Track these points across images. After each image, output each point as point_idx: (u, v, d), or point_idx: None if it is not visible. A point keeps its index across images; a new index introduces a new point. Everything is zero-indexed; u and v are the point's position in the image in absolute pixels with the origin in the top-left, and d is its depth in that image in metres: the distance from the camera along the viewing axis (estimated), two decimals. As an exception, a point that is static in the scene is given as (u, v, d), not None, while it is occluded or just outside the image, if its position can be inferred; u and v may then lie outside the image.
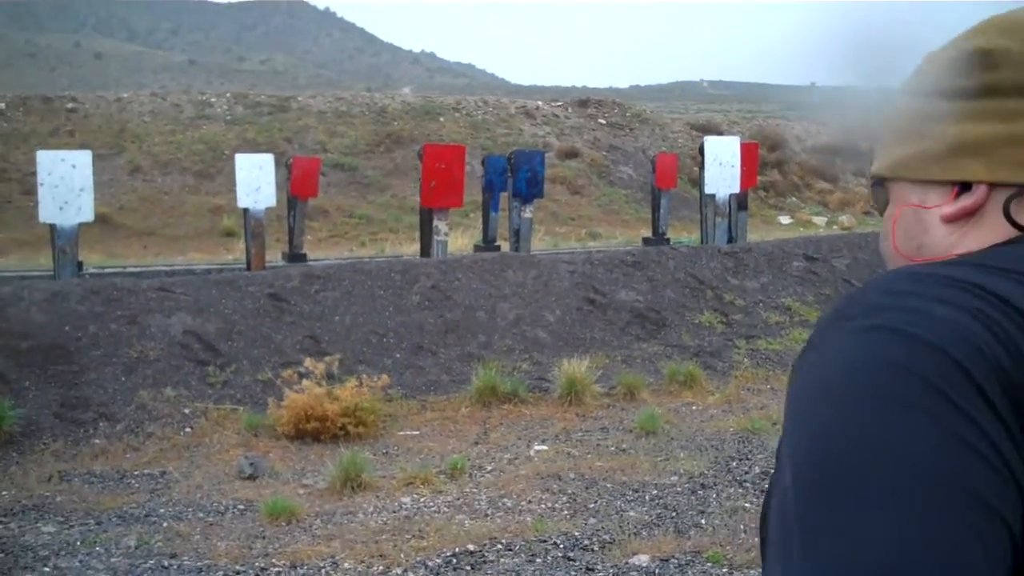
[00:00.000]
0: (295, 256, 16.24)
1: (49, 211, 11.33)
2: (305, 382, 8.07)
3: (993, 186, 0.97)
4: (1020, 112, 0.96)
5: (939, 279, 0.87)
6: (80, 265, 13.99)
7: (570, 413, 8.80)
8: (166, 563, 5.55)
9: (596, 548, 5.69)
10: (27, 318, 8.81)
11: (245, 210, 14.72)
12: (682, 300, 11.73)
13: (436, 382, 9.41)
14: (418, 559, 5.54)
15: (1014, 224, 0.96)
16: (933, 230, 1.01)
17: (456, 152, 14.01)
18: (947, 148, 1.00)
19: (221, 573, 5.39)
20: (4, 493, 6.81)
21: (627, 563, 5.49)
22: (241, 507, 6.55)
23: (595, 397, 9.11)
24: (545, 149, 27.34)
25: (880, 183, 1.10)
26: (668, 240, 18.19)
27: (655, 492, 6.72)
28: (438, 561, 5.50)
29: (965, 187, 0.99)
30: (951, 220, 1.00)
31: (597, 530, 5.97)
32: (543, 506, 6.45)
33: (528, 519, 6.18)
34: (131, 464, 7.47)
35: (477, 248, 17.05)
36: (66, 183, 11.37)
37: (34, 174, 12.15)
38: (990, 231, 0.98)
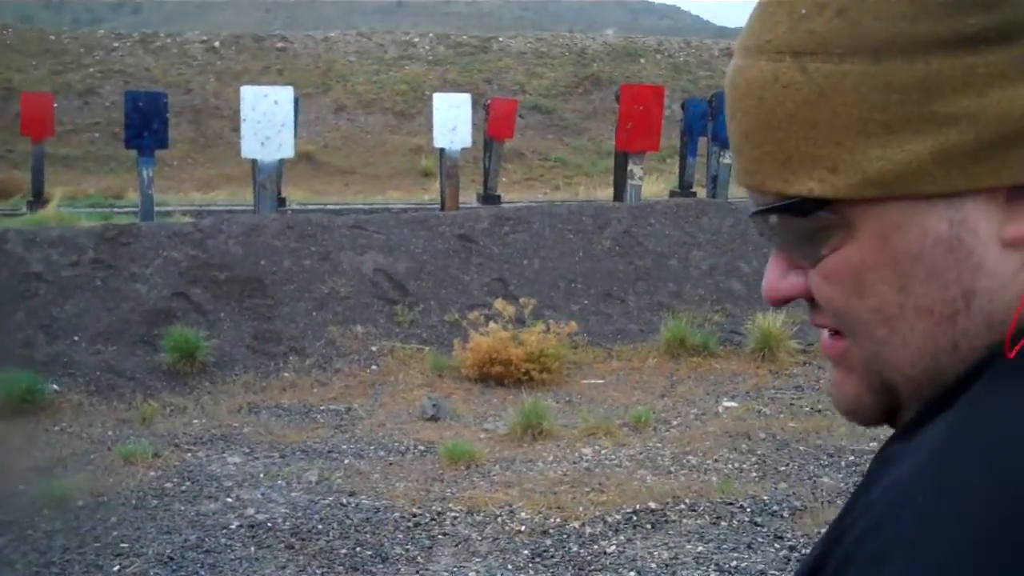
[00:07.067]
0: (489, 198, 16.20)
1: (251, 147, 11.51)
2: (492, 325, 7.97)
3: None
4: None
5: None
6: (283, 201, 14.34)
7: (763, 369, 8.41)
8: (344, 500, 5.55)
9: (786, 515, 5.36)
10: (226, 250, 9.02)
11: (441, 150, 14.75)
12: (889, 254, 11.08)
13: (623, 330, 9.17)
14: (597, 514, 5.35)
15: None
16: (990, 264, 0.65)
17: (655, 93, 13.59)
18: (990, 133, 0.63)
19: (398, 515, 5.34)
20: (196, 422, 6.99)
21: (819, 533, 5.14)
22: (422, 448, 6.51)
23: (790, 354, 8.67)
24: (748, 93, 26.40)
25: (814, 208, 0.68)
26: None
27: (852, 458, 6.30)
28: (618, 517, 5.30)
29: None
30: (1021, 242, 0.65)
31: (788, 495, 5.63)
32: (730, 466, 6.15)
33: (714, 479, 5.89)
34: (317, 399, 7.56)
35: (672, 194, 16.64)
36: (268, 119, 11.52)
37: (242, 111, 12.40)
38: None
